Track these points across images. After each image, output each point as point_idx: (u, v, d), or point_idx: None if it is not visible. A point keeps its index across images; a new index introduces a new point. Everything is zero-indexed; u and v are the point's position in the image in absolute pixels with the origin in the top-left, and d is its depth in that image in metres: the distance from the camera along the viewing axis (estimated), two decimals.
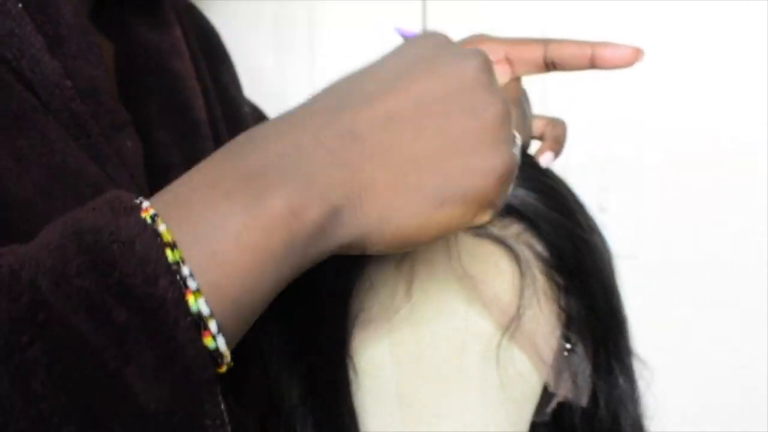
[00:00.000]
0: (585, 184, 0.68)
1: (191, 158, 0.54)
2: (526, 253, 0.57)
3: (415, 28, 0.99)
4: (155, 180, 0.55)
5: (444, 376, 0.56)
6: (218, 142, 0.62)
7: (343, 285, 0.57)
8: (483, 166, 0.42)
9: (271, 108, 0.98)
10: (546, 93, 1.02)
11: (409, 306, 0.56)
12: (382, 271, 0.57)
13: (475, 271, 0.56)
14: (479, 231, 0.56)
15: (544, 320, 0.57)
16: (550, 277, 0.57)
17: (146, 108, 0.58)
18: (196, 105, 0.60)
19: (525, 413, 0.58)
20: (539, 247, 0.57)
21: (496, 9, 1.00)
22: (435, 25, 0.99)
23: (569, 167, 0.66)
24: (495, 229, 0.57)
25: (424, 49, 0.44)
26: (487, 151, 0.42)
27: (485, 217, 0.44)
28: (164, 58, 0.60)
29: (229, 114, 0.69)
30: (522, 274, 0.56)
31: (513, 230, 0.57)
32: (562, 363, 0.57)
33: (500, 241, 0.56)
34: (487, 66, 0.44)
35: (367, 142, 0.40)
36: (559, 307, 0.57)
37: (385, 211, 0.41)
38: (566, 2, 1.01)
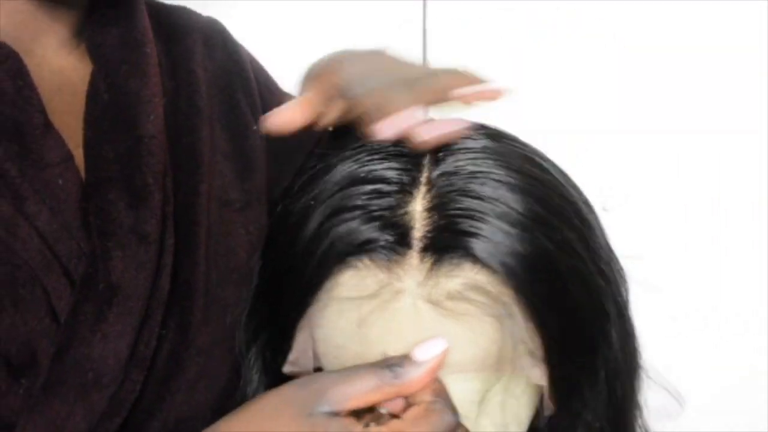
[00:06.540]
0: (588, 183, 0.67)
1: (130, 175, 0.59)
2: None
3: (414, 28, 0.98)
4: (93, 198, 0.59)
5: None
6: (178, 153, 0.65)
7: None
8: None
9: None
10: (547, 90, 1.02)
11: None
12: None
13: None
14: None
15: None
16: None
17: (98, 123, 0.62)
18: (141, 121, 0.62)
19: None
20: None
21: (496, 9, 1.00)
22: (435, 24, 0.98)
23: (573, 167, 0.66)
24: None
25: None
26: None
27: None
28: (122, 77, 0.63)
29: (237, 131, 0.71)
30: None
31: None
32: None
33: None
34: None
35: None
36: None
37: None
38: (566, 2, 1.00)
